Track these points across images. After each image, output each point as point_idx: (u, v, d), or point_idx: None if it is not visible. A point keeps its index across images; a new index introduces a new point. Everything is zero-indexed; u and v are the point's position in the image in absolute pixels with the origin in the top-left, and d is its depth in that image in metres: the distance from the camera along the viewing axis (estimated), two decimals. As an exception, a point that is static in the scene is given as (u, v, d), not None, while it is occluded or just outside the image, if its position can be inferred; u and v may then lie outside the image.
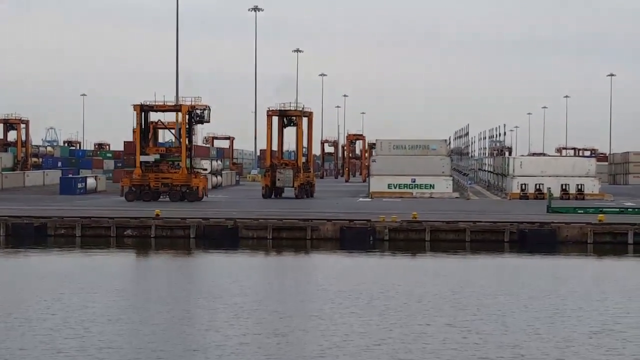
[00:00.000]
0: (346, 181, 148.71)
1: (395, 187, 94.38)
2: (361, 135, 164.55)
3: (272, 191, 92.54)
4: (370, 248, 56.98)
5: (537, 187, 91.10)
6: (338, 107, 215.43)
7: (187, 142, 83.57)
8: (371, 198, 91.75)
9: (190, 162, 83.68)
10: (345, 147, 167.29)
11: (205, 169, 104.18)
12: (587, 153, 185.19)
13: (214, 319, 30.84)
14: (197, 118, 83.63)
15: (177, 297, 36.32)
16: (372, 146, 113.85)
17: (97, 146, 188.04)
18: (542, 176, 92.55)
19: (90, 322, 29.88)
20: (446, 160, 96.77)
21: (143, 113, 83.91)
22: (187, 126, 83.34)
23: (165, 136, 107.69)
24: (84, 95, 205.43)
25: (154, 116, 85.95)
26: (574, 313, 32.80)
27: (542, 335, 28.52)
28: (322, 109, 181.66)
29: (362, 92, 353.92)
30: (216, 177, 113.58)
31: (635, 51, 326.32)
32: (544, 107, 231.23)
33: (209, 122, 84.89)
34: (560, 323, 30.77)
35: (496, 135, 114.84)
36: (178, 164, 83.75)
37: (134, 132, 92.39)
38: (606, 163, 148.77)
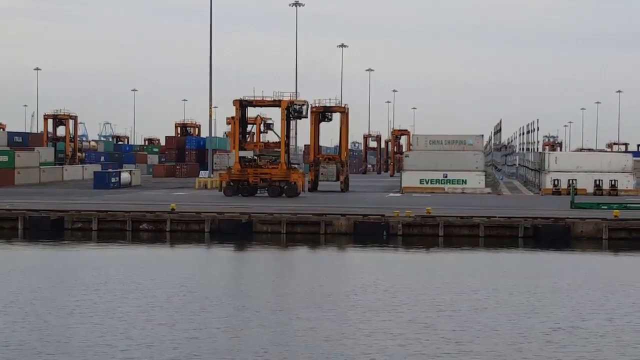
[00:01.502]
0: (391, 176, 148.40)
1: (427, 183, 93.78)
2: (406, 130, 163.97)
3: (317, 185, 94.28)
4: (383, 243, 56.82)
5: (570, 182, 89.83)
6: (388, 102, 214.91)
7: (285, 137, 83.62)
8: (402, 193, 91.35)
9: (288, 157, 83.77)
10: (390, 142, 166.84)
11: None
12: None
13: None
14: (295, 113, 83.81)
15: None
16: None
17: (147, 141, 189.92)
18: (576, 172, 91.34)
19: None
20: (480, 156, 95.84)
21: (242, 108, 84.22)
22: (285, 121, 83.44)
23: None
24: (134, 90, 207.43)
25: (252, 111, 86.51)
26: (543, 309, 32.38)
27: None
28: (369, 104, 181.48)
29: (412, 87, 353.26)
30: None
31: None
32: (598, 102, 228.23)
33: (306, 117, 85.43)
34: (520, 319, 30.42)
35: (531, 130, 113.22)
36: (276, 159, 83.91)
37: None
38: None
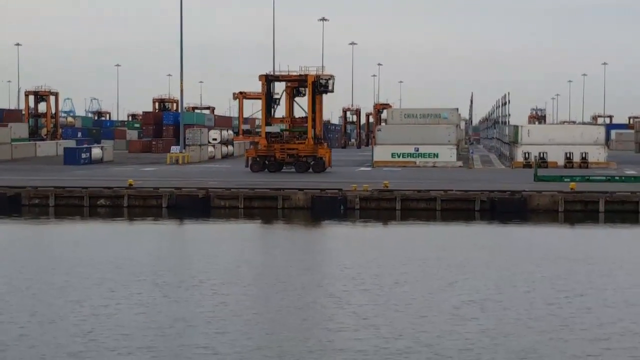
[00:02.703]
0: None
1: (398, 157, 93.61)
2: (388, 104, 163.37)
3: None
4: (341, 217, 56.72)
5: (541, 155, 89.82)
6: (374, 76, 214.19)
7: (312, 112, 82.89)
8: (373, 167, 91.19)
9: (314, 132, 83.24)
10: (372, 116, 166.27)
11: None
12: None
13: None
14: (322, 88, 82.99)
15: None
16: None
17: (130, 117, 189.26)
18: (548, 144, 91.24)
19: None
20: (452, 129, 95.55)
21: (268, 83, 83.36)
22: (312, 96, 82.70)
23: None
24: (118, 65, 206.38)
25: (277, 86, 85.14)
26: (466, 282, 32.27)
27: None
28: (353, 78, 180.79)
29: (400, 61, 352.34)
30: (226, 146, 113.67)
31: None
32: (584, 75, 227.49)
33: (332, 91, 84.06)
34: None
35: (502, 103, 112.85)
36: (303, 134, 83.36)
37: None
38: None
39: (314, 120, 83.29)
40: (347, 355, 22.12)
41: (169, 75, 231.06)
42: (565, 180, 67.58)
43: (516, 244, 45.32)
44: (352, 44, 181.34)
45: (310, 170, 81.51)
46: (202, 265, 36.06)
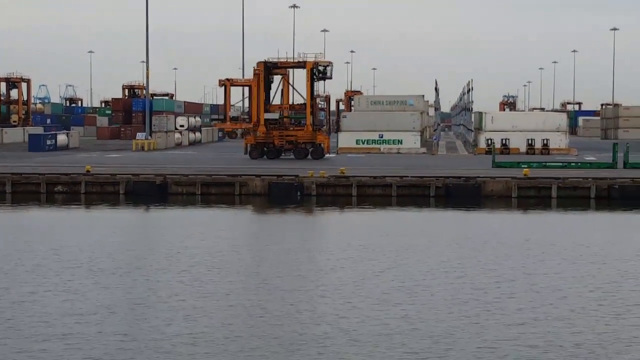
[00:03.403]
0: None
1: (363, 143, 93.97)
2: (359, 91, 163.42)
3: None
4: (297, 203, 57.04)
5: (503, 142, 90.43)
6: (347, 63, 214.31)
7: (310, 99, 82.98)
8: (337, 154, 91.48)
9: (314, 119, 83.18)
10: (343, 103, 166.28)
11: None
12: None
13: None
14: (320, 75, 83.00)
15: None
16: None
17: (103, 103, 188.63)
18: (511, 131, 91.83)
19: None
20: (416, 116, 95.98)
21: (266, 70, 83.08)
22: (310, 83, 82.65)
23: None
24: (91, 52, 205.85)
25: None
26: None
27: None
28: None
29: (371, 48, 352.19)
30: (194, 133, 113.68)
31: None
32: (554, 62, 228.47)
33: (330, 78, 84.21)
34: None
35: (466, 91, 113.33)
36: (301, 120, 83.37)
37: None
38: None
39: (312, 107, 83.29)
40: (264, 341, 22.40)
41: (142, 62, 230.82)
42: (522, 166, 68.02)
43: (462, 229, 45.69)
44: (324, 31, 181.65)
45: (309, 157, 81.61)
46: (142, 251, 36.29)
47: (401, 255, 35.20)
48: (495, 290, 28.37)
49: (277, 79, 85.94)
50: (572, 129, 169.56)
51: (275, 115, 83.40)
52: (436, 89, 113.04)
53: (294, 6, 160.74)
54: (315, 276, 30.91)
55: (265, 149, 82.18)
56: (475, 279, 30.31)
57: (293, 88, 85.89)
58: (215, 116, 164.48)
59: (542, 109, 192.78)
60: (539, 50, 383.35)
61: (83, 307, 25.46)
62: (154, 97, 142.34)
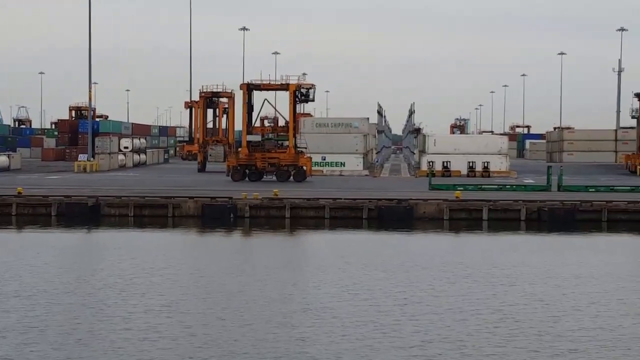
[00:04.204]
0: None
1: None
2: (309, 114, 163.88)
3: (205, 166, 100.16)
4: (231, 225, 56.95)
5: (445, 164, 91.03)
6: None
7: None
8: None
9: (295, 141, 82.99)
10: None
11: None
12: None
13: None
14: (302, 97, 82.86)
15: None
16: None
17: (53, 124, 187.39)
18: (452, 154, 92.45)
19: None
20: (359, 138, 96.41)
21: (249, 92, 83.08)
22: (293, 105, 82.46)
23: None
24: (42, 73, 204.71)
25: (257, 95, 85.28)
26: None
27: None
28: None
29: (327, 70, 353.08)
30: (139, 155, 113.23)
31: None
32: (505, 86, 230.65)
33: (313, 100, 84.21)
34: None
35: (412, 112, 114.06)
36: (283, 143, 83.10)
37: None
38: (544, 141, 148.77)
39: (294, 129, 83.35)
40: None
41: (95, 83, 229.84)
42: (459, 189, 68.43)
43: (381, 251, 45.61)
44: (275, 53, 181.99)
45: (291, 179, 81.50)
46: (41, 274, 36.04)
47: (316, 276, 35.24)
48: (397, 312, 28.42)
49: (259, 101, 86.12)
50: (520, 152, 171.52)
51: (257, 138, 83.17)
52: (379, 112, 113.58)
53: (244, 28, 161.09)
54: (195, 296, 30.88)
55: (247, 171, 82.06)
56: (381, 300, 30.36)
57: (276, 110, 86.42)
58: (181, 137, 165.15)
59: (492, 132, 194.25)
60: (491, 74, 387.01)
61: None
62: (103, 119, 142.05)
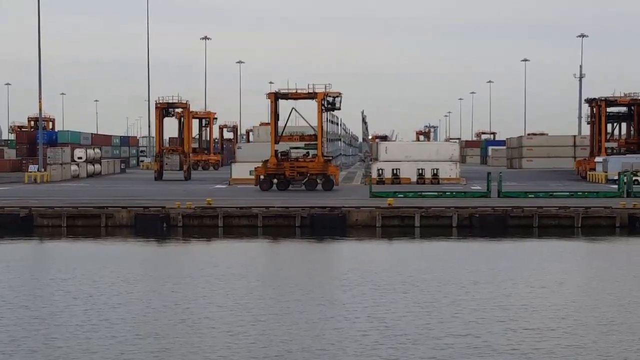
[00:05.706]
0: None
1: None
2: (268, 123, 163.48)
3: (162, 174, 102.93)
4: (163, 235, 56.63)
5: (394, 171, 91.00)
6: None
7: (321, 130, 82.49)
8: (229, 185, 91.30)
9: (324, 151, 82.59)
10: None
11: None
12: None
13: None
14: (329, 105, 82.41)
15: None
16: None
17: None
18: (403, 161, 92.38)
19: None
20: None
21: (276, 101, 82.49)
22: (320, 114, 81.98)
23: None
24: (8, 84, 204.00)
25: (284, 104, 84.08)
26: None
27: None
28: (241, 97, 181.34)
29: (293, 78, 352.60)
30: (93, 165, 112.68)
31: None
32: (472, 93, 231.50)
33: (339, 109, 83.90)
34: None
35: (363, 119, 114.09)
36: (309, 152, 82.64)
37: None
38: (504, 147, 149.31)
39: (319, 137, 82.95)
40: None
41: (62, 94, 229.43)
42: (399, 196, 68.44)
43: (305, 258, 45.60)
44: (240, 62, 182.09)
45: (319, 188, 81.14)
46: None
47: (225, 286, 35.20)
48: (296, 318, 28.37)
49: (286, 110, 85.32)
50: (484, 158, 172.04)
51: (285, 147, 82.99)
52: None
53: (206, 37, 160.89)
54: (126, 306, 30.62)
55: (275, 180, 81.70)
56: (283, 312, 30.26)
57: (303, 119, 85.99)
58: (144, 147, 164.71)
59: (459, 139, 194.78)
60: (460, 81, 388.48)
61: None
62: (65, 130, 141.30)
